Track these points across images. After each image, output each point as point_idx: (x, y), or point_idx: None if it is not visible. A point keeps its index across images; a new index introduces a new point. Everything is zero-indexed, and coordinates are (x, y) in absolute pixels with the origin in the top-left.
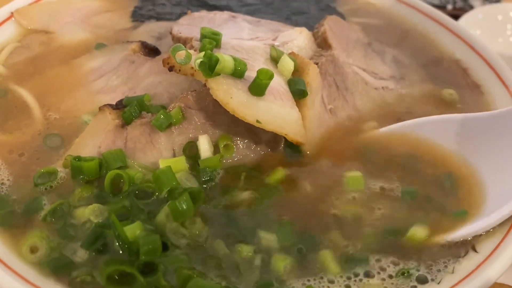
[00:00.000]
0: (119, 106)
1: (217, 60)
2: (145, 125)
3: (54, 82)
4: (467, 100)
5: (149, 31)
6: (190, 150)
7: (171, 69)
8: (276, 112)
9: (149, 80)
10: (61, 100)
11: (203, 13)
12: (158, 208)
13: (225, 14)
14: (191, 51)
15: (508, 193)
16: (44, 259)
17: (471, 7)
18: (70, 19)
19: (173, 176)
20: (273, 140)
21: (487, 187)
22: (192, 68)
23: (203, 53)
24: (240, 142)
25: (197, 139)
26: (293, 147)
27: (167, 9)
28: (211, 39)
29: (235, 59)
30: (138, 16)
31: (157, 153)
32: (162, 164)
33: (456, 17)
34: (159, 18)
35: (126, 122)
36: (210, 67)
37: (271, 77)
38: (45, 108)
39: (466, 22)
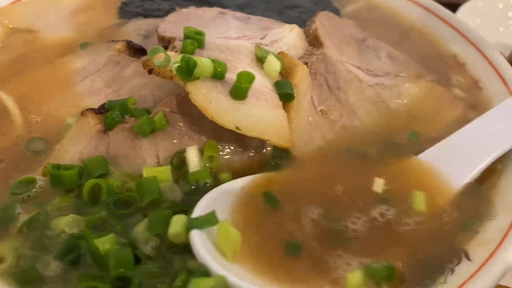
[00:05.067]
0: (102, 110)
1: (195, 64)
2: (128, 130)
3: (37, 83)
4: (468, 94)
5: (136, 29)
6: (177, 161)
7: (150, 71)
8: (258, 117)
9: (134, 82)
10: (44, 102)
11: (192, 9)
12: (137, 218)
13: (214, 10)
14: (172, 53)
15: None
16: (11, 270)
17: None
18: (54, 17)
19: (157, 187)
20: (261, 144)
21: None
22: (171, 71)
23: (180, 56)
24: (227, 147)
25: (182, 146)
26: (281, 151)
27: (156, 5)
28: (194, 40)
29: (214, 61)
30: (125, 13)
31: (140, 160)
32: (146, 173)
33: (457, 5)
34: (146, 15)
35: (108, 128)
36: (188, 71)
37: (251, 80)
38: (26, 110)
39: (466, 11)
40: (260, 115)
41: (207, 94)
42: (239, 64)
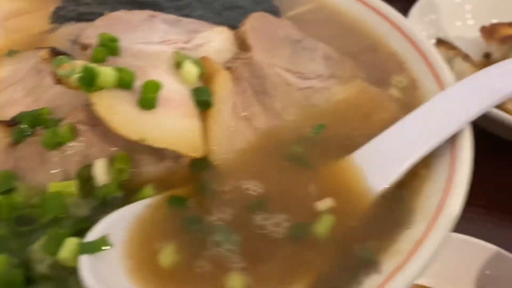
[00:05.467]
0: (13, 122)
1: (95, 74)
2: (37, 143)
3: None
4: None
5: (66, 34)
6: (85, 175)
7: (58, 82)
8: (166, 127)
9: (54, 90)
10: None
11: (121, 13)
12: (40, 235)
13: (144, 14)
14: (79, 62)
15: None
16: None
17: None
18: None
19: (60, 202)
20: (176, 154)
21: None
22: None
23: (82, 66)
24: (139, 159)
25: (92, 158)
26: (201, 160)
27: (91, 9)
28: (107, 47)
29: (120, 69)
30: (58, 18)
31: (48, 174)
32: (51, 188)
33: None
34: (79, 19)
35: (17, 140)
36: (89, 81)
37: (157, 89)
38: None
39: (421, 7)
40: (169, 125)
41: (111, 104)
42: (154, 71)
